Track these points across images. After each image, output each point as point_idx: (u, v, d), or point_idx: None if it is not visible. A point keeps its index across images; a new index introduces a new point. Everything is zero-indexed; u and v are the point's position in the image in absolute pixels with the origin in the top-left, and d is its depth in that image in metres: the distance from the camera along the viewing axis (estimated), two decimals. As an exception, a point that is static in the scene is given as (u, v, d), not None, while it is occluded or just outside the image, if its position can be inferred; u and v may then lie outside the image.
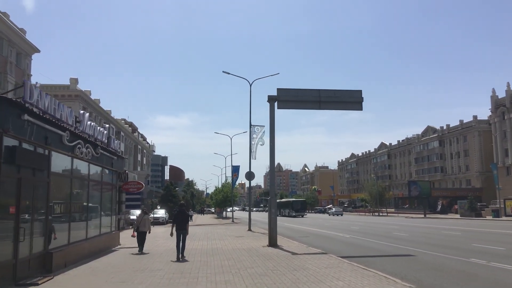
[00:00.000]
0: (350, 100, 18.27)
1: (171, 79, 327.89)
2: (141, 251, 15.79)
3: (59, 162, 12.35)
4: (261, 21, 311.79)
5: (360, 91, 18.26)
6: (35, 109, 10.23)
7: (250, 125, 28.64)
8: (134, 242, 19.20)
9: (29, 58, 38.23)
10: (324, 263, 12.06)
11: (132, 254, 15.55)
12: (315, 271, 10.53)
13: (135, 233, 16.99)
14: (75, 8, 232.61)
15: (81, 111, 13.33)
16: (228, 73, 30.09)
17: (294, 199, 76.43)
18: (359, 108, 18.28)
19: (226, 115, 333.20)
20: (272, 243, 17.18)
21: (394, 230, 27.95)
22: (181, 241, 13.79)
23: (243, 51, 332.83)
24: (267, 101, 17.95)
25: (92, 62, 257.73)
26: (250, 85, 30.12)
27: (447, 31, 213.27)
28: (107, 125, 17.35)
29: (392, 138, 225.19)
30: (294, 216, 63.33)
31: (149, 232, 16.77)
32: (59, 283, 9.52)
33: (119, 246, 18.28)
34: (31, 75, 38.35)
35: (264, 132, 28.98)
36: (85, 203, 14.46)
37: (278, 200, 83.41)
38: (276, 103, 17.87)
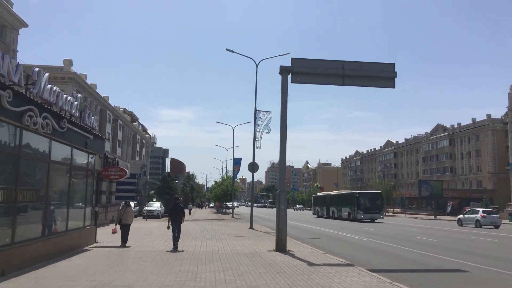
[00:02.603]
0: (380, 75, 14.85)
1: (175, 71, 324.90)
2: (124, 246, 14.65)
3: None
4: (268, 11, 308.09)
5: (393, 64, 14.84)
6: None
7: (255, 110, 25.40)
8: (115, 238, 16.19)
9: (15, 32, 34.97)
10: (357, 282, 8.76)
11: (115, 248, 14.17)
12: (350, 297, 7.28)
13: (116, 228, 15.66)
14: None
15: (36, 69, 10.02)
16: (232, 51, 26.87)
17: (360, 191, 46.57)
18: (391, 85, 14.92)
19: (229, 108, 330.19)
20: (281, 247, 13.90)
21: (415, 234, 24.66)
22: (175, 233, 14.11)
23: (248, 40, 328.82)
24: (279, 73, 14.61)
25: (93, 55, 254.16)
26: (257, 66, 26.94)
27: (458, 28, 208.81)
28: (79, 95, 13.92)
29: (397, 137, 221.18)
30: (362, 220, 38.85)
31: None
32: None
33: (94, 245, 15.10)
34: (17, 51, 35.14)
35: (270, 118, 25.59)
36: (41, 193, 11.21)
37: (326, 193, 56.16)
38: (289, 76, 14.54)
